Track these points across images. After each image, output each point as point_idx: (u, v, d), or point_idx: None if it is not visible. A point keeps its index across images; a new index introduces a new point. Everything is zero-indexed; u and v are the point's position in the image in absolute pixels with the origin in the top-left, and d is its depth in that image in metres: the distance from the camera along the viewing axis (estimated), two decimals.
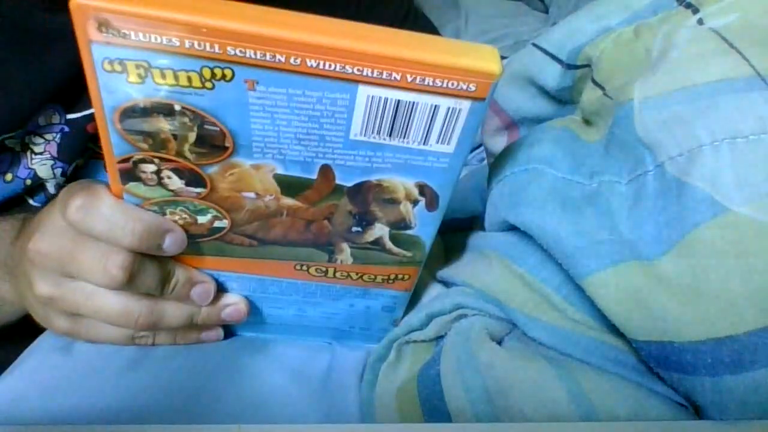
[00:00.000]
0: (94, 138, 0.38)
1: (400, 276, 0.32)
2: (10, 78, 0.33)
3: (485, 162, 0.50)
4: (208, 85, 0.22)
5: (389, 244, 0.29)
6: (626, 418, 0.26)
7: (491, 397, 0.28)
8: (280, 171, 0.25)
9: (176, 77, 0.22)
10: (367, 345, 0.36)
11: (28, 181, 0.37)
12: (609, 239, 0.26)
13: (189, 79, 0.22)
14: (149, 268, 0.28)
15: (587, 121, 0.33)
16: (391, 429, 0.29)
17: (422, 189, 0.27)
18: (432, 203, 0.27)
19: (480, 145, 0.58)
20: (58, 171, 0.37)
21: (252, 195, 0.26)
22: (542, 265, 0.30)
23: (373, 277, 0.31)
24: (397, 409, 0.31)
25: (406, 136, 0.24)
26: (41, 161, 0.36)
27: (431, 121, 0.24)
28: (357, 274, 0.31)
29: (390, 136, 0.24)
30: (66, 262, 0.27)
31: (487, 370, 0.29)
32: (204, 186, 0.26)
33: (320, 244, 0.29)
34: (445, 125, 0.24)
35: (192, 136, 0.24)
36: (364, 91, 0.22)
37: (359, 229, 0.28)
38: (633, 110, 0.27)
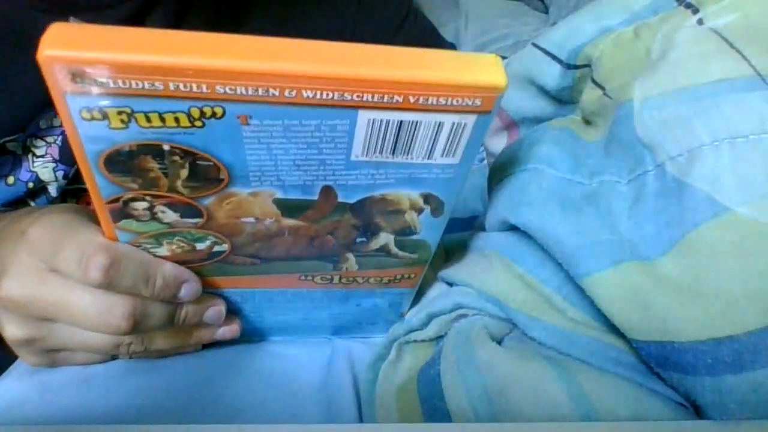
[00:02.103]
0: None
1: (406, 276, 0.32)
2: (11, 81, 0.33)
3: (485, 162, 0.50)
4: (198, 123, 0.21)
5: (395, 250, 0.29)
6: (626, 418, 0.26)
7: (491, 396, 0.28)
8: (280, 195, 0.24)
9: (162, 119, 0.20)
10: (374, 336, 0.36)
11: (30, 184, 0.37)
12: (609, 239, 0.26)
13: (177, 120, 0.21)
14: (155, 309, 0.28)
15: (587, 121, 0.33)
16: (391, 429, 0.29)
17: (427, 198, 0.26)
18: (437, 211, 0.27)
19: (480, 145, 0.58)
20: (60, 174, 0.37)
21: (251, 220, 0.26)
22: (542, 265, 0.30)
23: (379, 279, 0.31)
24: (397, 409, 0.31)
25: (410, 153, 0.23)
26: (43, 164, 0.36)
27: (435, 137, 0.23)
28: (363, 278, 0.31)
29: (393, 154, 0.23)
30: (51, 308, 0.26)
31: (487, 369, 0.29)
32: (200, 216, 0.25)
33: (324, 256, 0.29)
34: (450, 140, 0.23)
35: (184, 173, 0.23)
36: (364, 116, 0.21)
37: (364, 239, 0.28)
38: (633, 110, 0.27)
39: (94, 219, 0.28)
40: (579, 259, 0.27)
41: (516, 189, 0.31)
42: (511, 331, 0.32)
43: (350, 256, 0.29)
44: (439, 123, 0.22)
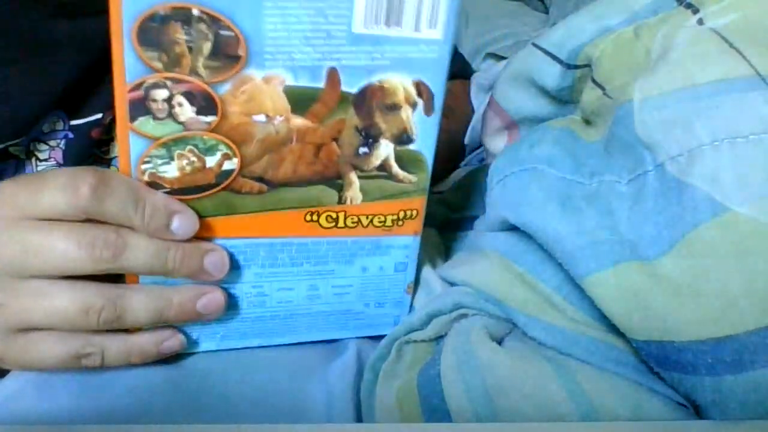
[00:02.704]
0: (99, 143, 0.38)
1: (408, 213, 0.33)
2: (14, 85, 0.33)
3: (485, 162, 0.50)
4: None
5: (395, 167, 0.31)
6: (626, 418, 0.26)
7: (491, 396, 0.28)
8: (290, 82, 0.27)
9: None
10: (380, 333, 0.36)
11: None
12: (609, 239, 0.26)
13: None
14: (142, 241, 0.27)
15: (587, 121, 0.33)
16: (391, 429, 0.29)
17: (419, 88, 0.29)
18: (429, 104, 0.30)
19: (480, 146, 0.58)
20: None
21: (262, 118, 0.27)
22: (542, 265, 0.30)
23: (383, 219, 0.32)
24: (397, 409, 0.31)
25: (400, 22, 0.27)
26: (47, 168, 0.36)
27: (422, 4, 0.27)
28: (367, 217, 0.32)
29: (387, 24, 0.27)
30: (21, 256, 0.25)
31: (487, 369, 0.29)
32: (215, 113, 0.27)
33: (329, 177, 0.30)
34: (432, 5, 0.27)
35: (207, 47, 0.25)
36: None
37: (366, 149, 0.30)
38: (633, 110, 0.27)
39: None
40: (579, 259, 0.27)
41: (516, 189, 0.31)
42: (511, 331, 0.32)
43: (354, 177, 0.31)
44: None
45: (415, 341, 0.34)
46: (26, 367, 0.28)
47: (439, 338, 0.33)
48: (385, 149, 0.30)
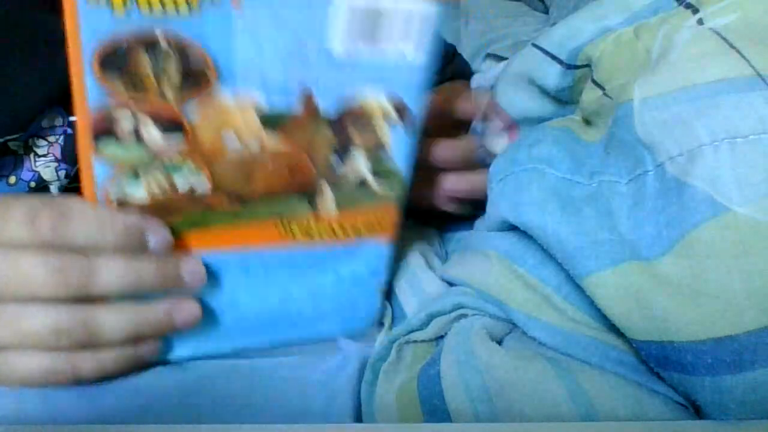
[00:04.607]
0: None
1: (381, 220, 0.33)
2: (13, 79, 0.33)
3: (485, 162, 0.50)
4: (195, 5, 0.23)
5: (369, 179, 0.31)
6: (626, 417, 0.26)
7: (491, 396, 0.28)
8: (262, 102, 0.26)
9: (162, 2, 0.22)
10: (353, 330, 0.36)
11: (32, 184, 0.37)
12: (609, 239, 0.26)
13: (175, 2, 0.22)
14: (110, 262, 0.26)
15: (587, 121, 0.33)
16: (391, 429, 0.29)
17: (397, 105, 0.29)
18: (407, 120, 0.30)
19: (480, 146, 0.58)
20: (62, 173, 0.37)
21: (233, 137, 0.27)
22: (542, 265, 0.30)
23: (356, 226, 0.33)
24: (397, 409, 0.31)
25: (380, 42, 0.26)
26: (45, 163, 0.36)
27: (406, 28, 0.26)
28: (340, 225, 0.32)
29: (365, 44, 0.26)
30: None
31: (487, 369, 0.29)
32: (183, 134, 0.26)
33: (302, 189, 0.30)
34: (418, 32, 0.27)
35: (174, 71, 0.24)
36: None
37: (340, 163, 0.30)
38: (633, 110, 0.27)
39: None
40: (579, 259, 0.27)
41: (516, 189, 0.31)
42: (511, 331, 0.32)
43: (327, 189, 0.31)
44: (410, 11, 0.26)
45: (415, 341, 0.34)
46: (3, 383, 0.27)
47: (439, 338, 0.33)
48: (360, 162, 0.30)
